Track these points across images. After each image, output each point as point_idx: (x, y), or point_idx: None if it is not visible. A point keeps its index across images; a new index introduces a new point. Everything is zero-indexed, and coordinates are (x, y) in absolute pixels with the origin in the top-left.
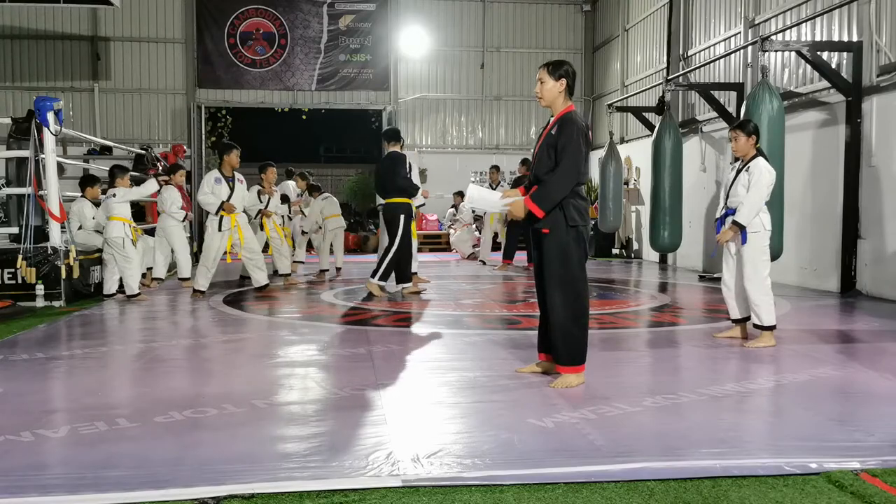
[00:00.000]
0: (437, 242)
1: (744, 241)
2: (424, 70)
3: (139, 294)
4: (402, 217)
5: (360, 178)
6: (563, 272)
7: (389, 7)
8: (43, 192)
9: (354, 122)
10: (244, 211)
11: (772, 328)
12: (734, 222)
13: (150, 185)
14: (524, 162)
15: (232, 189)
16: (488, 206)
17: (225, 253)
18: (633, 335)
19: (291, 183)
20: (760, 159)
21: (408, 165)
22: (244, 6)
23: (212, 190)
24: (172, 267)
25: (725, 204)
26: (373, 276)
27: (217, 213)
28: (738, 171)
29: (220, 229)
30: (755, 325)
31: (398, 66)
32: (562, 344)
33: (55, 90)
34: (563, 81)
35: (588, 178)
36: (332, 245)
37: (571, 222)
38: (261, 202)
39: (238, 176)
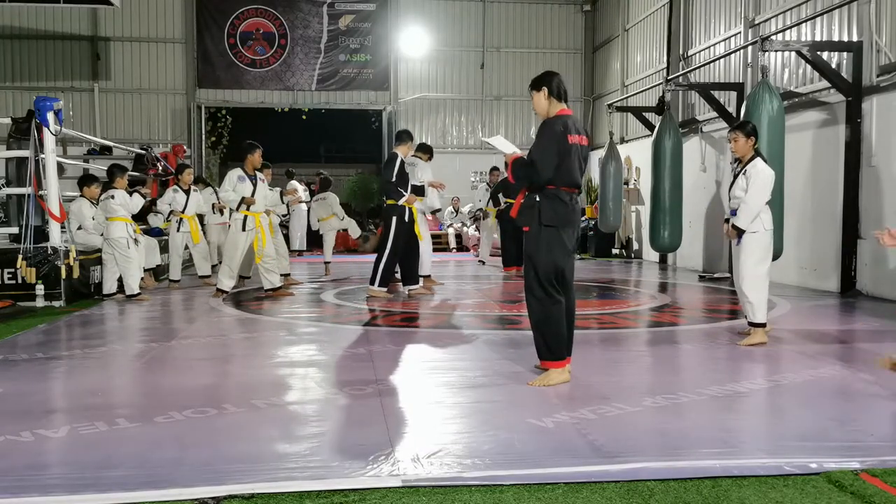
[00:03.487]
0: (438, 242)
1: (738, 241)
2: (424, 70)
3: (139, 294)
4: (393, 219)
5: (359, 178)
6: (535, 269)
7: (389, 7)
8: (43, 192)
9: (354, 122)
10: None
11: (761, 325)
12: (733, 226)
13: (136, 201)
14: (495, 170)
15: (255, 186)
16: (504, 149)
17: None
18: (633, 335)
19: (296, 183)
20: (759, 161)
21: (397, 165)
22: (244, 6)
23: (233, 187)
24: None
25: (730, 205)
26: (371, 283)
27: (238, 209)
28: (737, 174)
29: (244, 229)
30: (749, 323)
31: (398, 66)
32: (538, 337)
33: (55, 90)
34: (545, 89)
35: (576, 182)
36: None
37: (545, 221)
38: (283, 202)
39: (260, 175)
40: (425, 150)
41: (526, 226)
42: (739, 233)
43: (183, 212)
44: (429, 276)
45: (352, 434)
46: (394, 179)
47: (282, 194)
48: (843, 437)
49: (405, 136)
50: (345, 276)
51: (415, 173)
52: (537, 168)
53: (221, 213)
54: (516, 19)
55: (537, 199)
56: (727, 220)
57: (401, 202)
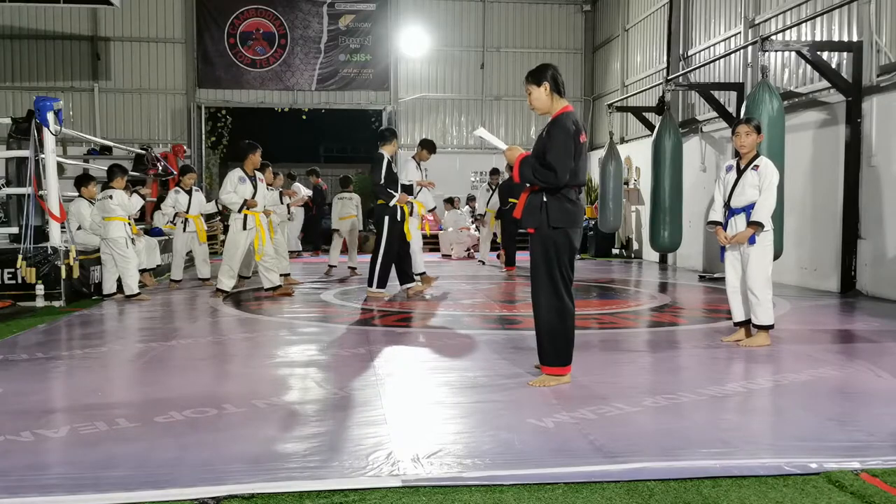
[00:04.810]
0: (437, 242)
1: (752, 241)
2: (424, 70)
3: (139, 294)
4: (385, 219)
5: (360, 178)
6: (545, 272)
7: (389, 7)
8: (43, 192)
9: (354, 122)
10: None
11: (770, 327)
12: (754, 223)
13: (135, 201)
14: (495, 172)
15: (255, 187)
16: (493, 143)
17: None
18: (633, 335)
19: (298, 185)
20: (767, 159)
21: (384, 166)
22: (244, 6)
23: (234, 188)
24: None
25: (728, 204)
26: (369, 284)
27: (240, 210)
28: (741, 171)
29: (244, 228)
30: (754, 325)
31: (398, 66)
32: (546, 344)
33: (55, 90)
34: (546, 84)
35: (583, 181)
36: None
37: (554, 223)
38: (282, 203)
39: (259, 175)
40: (424, 147)
41: (532, 227)
42: (756, 231)
43: (187, 212)
44: (424, 273)
45: (352, 434)
46: (382, 181)
47: (281, 195)
48: (843, 437)
49: (389, 135)
50: (345, 276)
51: (404, 173)
52: (557, 174)
53: (221, 214)
54: (516, 19)
55: (544, 199)
56: (716, 223)
57: (392, 203)
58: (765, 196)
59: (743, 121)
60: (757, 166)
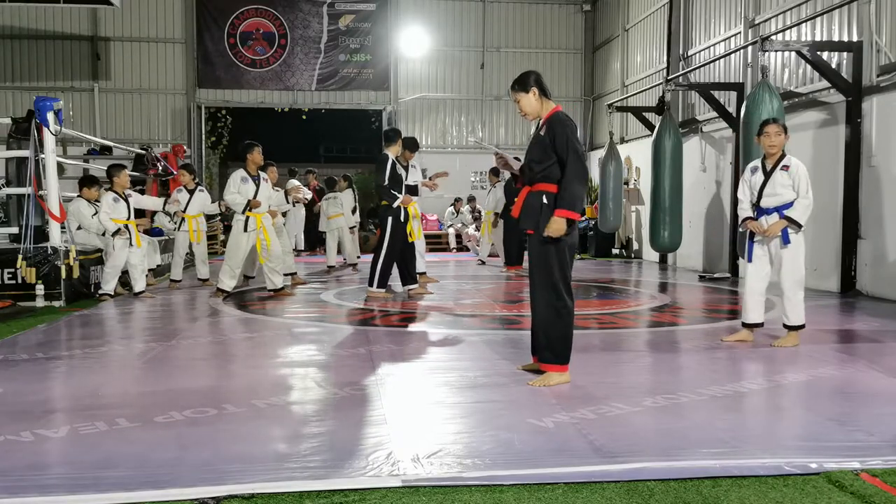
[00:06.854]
0: (438, 242)
1: (786, 241)
2: (424, 70)
3: (112, 295)
4: (389, 220)
5: (359, 178)
6: (545, 271)
7: (389, 7)
8: (43, 192)
9: (354, 122)
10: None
11: (801, 327)
12: (789, 218)
13: (157, 202)
14: (494, 171)
15: (258, 187)
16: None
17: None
18: (633, 335)
19: (295, 181)
20: (796, 159)
21: (388, 167)
22: (244, 6)
23: (238, 189)
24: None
25: (758, 204)
26: (370, 284)
27: (243, 212)
28: (769, 171)
29: (245, 230)
30: (785, 325)
31: (398, 66)
32: (544, 342)
33: (55, 90)
34: (534, 89)
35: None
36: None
37: None
38: (288, 202)
39: (263, 175)
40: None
41: (531, 229)
42: (787, 227)
43: (184, 211)
44: (424, 273)
45: (352, 434)
46: (386, 182)
47: (286, 194)
48: (843, 437)
49: (394, 136)
50: (346, 276)
51: (412, 174)
52: (581, 159)
53: (222, 215)
54: (516, 19)
55: (544, 199)
56: (750, 218)
57: (395, 204)
58: (805, 196)
59: (771, 121)
60: (787, 166)
